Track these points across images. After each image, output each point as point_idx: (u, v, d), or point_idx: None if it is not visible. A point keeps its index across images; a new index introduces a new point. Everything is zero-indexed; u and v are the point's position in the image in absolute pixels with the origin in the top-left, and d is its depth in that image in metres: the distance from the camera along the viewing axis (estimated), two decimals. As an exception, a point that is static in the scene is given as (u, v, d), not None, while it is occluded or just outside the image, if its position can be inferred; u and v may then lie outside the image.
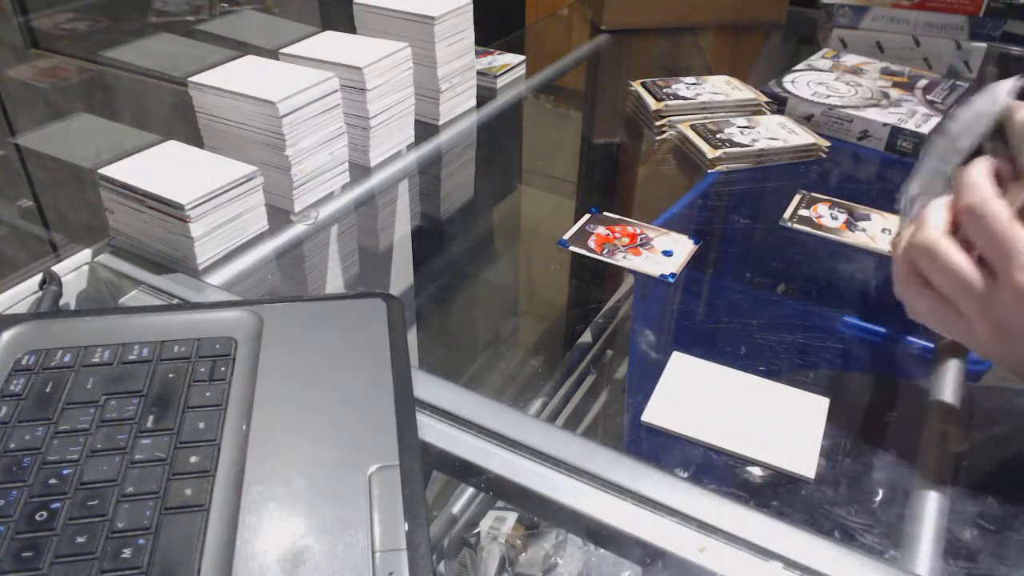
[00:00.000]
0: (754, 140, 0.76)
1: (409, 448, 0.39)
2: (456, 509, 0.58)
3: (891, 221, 0.66)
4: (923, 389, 0.50)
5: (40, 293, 0.54)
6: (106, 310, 0.50)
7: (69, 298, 0.57)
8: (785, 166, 0.76)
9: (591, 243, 0.63)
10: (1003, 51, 1.02)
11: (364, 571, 0.34)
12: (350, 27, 0.79)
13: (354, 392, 0.43)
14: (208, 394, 0.42)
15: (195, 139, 0.66)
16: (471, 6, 0.79)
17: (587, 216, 0.67)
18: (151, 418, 0.40)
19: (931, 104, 0.81)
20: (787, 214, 0.67)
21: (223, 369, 0.43)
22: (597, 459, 0.42)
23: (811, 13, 1.14)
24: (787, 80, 0.86)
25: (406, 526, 0.35)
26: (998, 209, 0.39)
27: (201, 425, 0.40)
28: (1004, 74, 0.58)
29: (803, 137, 0.77)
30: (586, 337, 0.58)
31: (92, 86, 1.05)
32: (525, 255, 0.74)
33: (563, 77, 1.00)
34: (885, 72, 0.89)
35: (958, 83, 0.87)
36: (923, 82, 0.86)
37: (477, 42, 0.82)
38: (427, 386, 0.47)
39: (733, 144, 0.76)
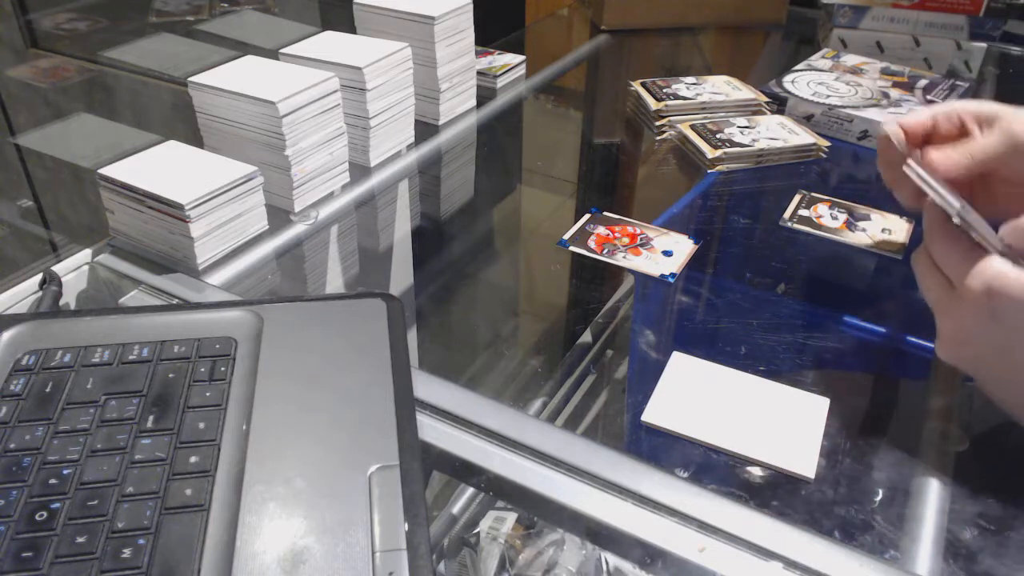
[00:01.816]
0: (754, 140, 0.76)
1: (409, 448, 0.39)
2: (456, 509, 0.58)
3: (891, 221, 0.66)
4: (923, 389, 0.50)
5: (40, 293, 0.54)
6: (106, 310, 0.50)
7: (69, 298, 0.57)
8: (785, 166, 0.76)
9: (591, 243, 0.63)
10: (1003, 51, 1.02)
11: (364, 571, 0.34)
12: (350, 27, 0.79)
13: (354, 392, 0.43)
14: (208, 394, 0.42)
15: (195, 139, 0.66)
16: (471, 6, 0.79)
17: (587, 216, 0.67)
18: (151, 418, 0.40)
19: (931, 104, 0.81)
20: (787, 214, 0.67)
21: (223, 369, 0.43)
22: (597, 459, 0.42)
23: (811, 13, 1.14)
24: (787, 80, 0.86)
25: (406, 526, 0.35)
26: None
27: (201, 425, 0.40)
28: (1004, 74, 0.58)
29: (803, 137, 0.77)
30: (586, 337, 0.58)
31: (92, 86, 1.05)
32: (525, 255, 0.74)
33: (563, 77, 1.00)
34: (885, 72, 0.89)
35: (958, 83, 0.87)
36: (923, 82, 0.86)
37: (477, 42, 0.82)
38: (427, 386, 0.47)
39: (733, 144, 0.76)
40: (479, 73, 0.87)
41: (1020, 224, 0.40)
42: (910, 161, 0.47)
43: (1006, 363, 0.41)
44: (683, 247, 0.62)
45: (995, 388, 0.43)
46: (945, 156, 0.47)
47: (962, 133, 0.50)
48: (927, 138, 0.50)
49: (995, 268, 0.40)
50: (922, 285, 0.45)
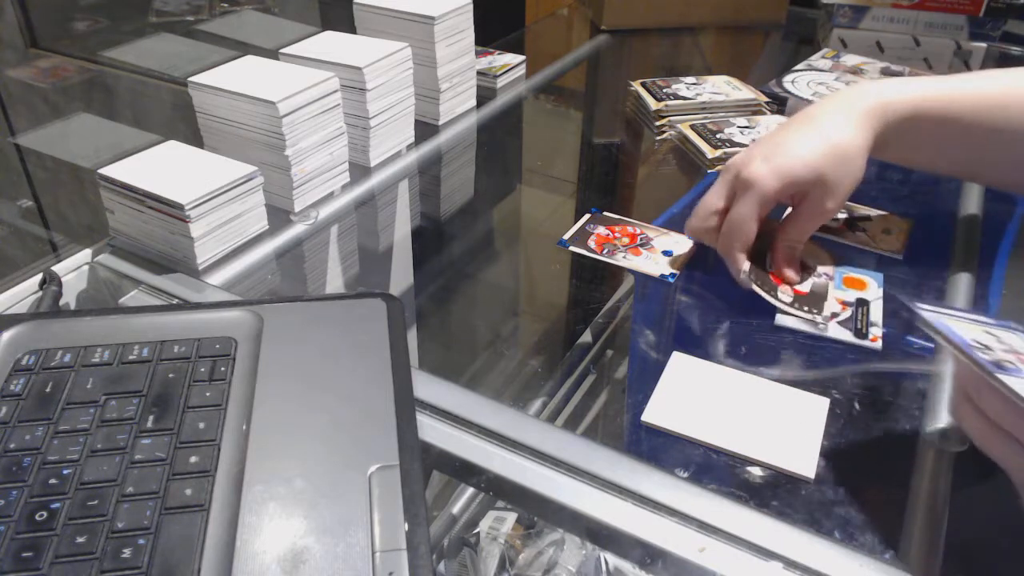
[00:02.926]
0: (754, 140, 0.76)
1: (409, 448, 0.39)
2: (456, 509, 0.58)
3: (891, 221, 0.66)
4: (923, 389, 0.50)
5: (40, 293, 0.54)
6: (106, 310, 0.50)
7: (69, 298, 0.57)
8: (785, 166, 0.76)
9: (591, 243, 0.63)
10: (1003, 51, 1.02)
11: (364, 571, 0.34)
12: (350, 27, 0.79)
13: (354, 392, 0.43)
14: (208, 394, 0.42)
15: (195, 139, 0.66)
16: (471, 6, 0.79)
17: (587, 216, 0.67)
18: (151, 418, 0.40)
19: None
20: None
21: (223, 369, 0.43)
22: (597, 459, 0.42)
23: (811, 13, 1.14)
24: (787, 80, 0.86)
25: (406, 526, 0.35)
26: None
27: (201, 425, 0.40)
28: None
29: (803, 137, 0.77)
30: (586, 337, 0.58)
31: (92, 86, 1.05)
32: (525, 255, 0.74)
33: (563, 77, 1.00)
34: (885, 72, 0.89)
35: (958, 83, 0.87)
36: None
37: (477, 42, 0.82)
38: (427, 386, 0.47)
39: (733, 144, 0.75)
40: (479, 73, 0.87)
41: None
42: (925, 315, 0.41)
43: None
44: (683, 247, 0.62)
45: None
46: (794, 247, 0.56)
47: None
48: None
49: None
50: (989, 450, 0.39)
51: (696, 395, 0.48)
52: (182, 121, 0.69)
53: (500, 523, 0.58)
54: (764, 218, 0.55)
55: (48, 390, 0.41)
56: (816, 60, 0.92)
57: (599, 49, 1.08)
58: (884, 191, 0.74)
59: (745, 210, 0.54)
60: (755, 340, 0.54)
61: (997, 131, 0.55)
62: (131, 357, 0.44)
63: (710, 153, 0.74)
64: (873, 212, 0.67)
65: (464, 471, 0.43)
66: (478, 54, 0.91)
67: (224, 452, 0.39)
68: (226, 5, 1.11)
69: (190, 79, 0.64)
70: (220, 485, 0.37)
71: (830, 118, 0.55)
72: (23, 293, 0.55)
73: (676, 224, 0.66)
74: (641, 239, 0.64)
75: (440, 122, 0.81)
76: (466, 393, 0.47)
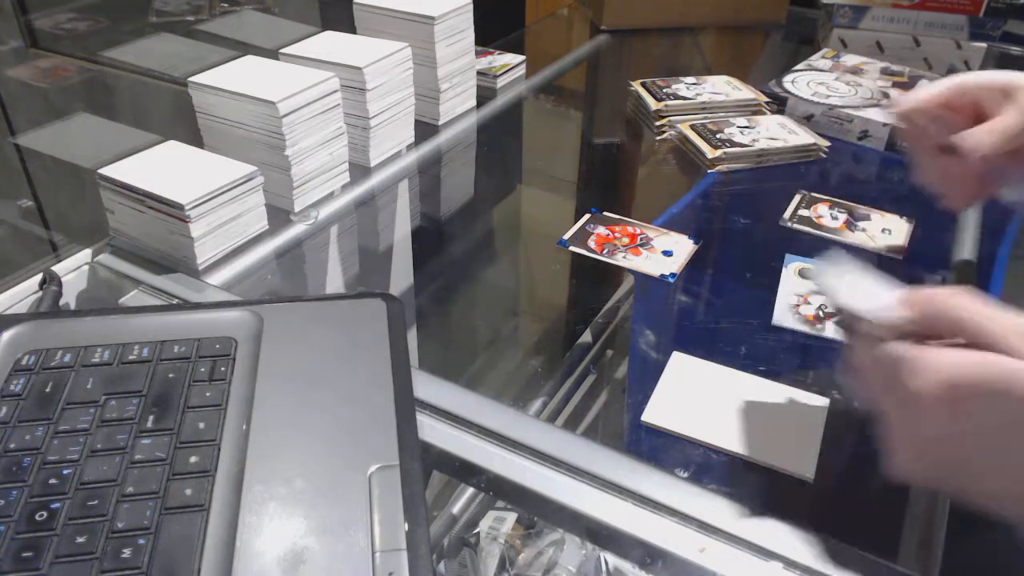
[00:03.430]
0: (754, 140, 0.76)
1: (409, 448, 0.39)
2: (456, 509, 0.58)
3: (891, 221, 0.66)
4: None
5: (40, 293, 0.54)
6: (106, 310, 0.50)
7: (69, 298, 0.57)
8: (785, 166, 0.76)
9: (591, 243, 0.63)
10: (1003, 51, 1.02)
11: (364, 571, 0.34)
12: (350, 27, 0.79)
13: (354, 392, 0.43)
14: (208, 394, 0.42)
15: (195, 139, 0.66)
16: (471, 6, 0.79)
17: (587, 216, 0.67)
18: (151, 418, 0.40)
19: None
20: (787, 214, 0.67)
21: (223, 369, 0.43)
22: (597, 459, 0.42)
23: (811, 13, 1.14)
24: (787, 80, 0.86)
25: (406, 526, 0.35)
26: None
27: (201, 425, 0.40)
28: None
29: (803, 137, 0.77)
30: (586, 337, 0.58)
31: (92, 86, 1.05)
32: (525, 255, 0.74)
33: (563, 77, 1.00)
34: (885, 72, 0.89)
35: (958, 83, 0.87)
36: (923, 82, 0.86)
37: (477, 42, 0.82)
38: (427, 386, 0.47)
39: (733, 144, 0.76)
40: (479, 73, 0.87)
41: (920, 299, 0.35)
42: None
43: (991, 454, 0.32)
44: (683, 247, 0.62)
45: (979, 486, 0.33)
46: (970, 135, 0.46)
47: (976, 109, 0.48)
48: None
49: (947, 360, 0.32)
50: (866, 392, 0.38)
51: (696, 395, 0.48)
52: (182, 121, 0.69)
53: (500, 523, 0.58)
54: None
55: (48, 390, 0.41)
56: (816, 60, 0.92)
57: (599, 49, 1.08)
58: (884, 191, 0.74)
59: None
60: (755, 340, 0.54)
61: None
62: (131, 357, 0.44)
63: (710, 153, 0.74)
64: (873, 212, 0.67)
65: (464, 471, 0.43)
66: (478, 54, 0.91)
67: (224, 452, 0.39)
68: (226, 5, 1.11)
69: (190, 79, 0.64)
70: (220, 485, 0.37)
71: None
72: (23, 293, 0.55)
73: (676, 224, 0.66)
74: (641, 239, 0.64)
75: (440, 122, 0.81)
76: (466, 393, 0.47)
